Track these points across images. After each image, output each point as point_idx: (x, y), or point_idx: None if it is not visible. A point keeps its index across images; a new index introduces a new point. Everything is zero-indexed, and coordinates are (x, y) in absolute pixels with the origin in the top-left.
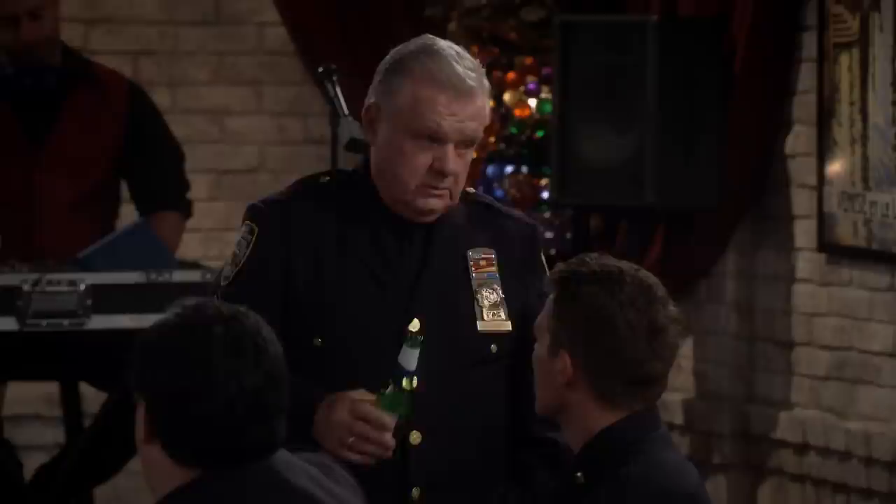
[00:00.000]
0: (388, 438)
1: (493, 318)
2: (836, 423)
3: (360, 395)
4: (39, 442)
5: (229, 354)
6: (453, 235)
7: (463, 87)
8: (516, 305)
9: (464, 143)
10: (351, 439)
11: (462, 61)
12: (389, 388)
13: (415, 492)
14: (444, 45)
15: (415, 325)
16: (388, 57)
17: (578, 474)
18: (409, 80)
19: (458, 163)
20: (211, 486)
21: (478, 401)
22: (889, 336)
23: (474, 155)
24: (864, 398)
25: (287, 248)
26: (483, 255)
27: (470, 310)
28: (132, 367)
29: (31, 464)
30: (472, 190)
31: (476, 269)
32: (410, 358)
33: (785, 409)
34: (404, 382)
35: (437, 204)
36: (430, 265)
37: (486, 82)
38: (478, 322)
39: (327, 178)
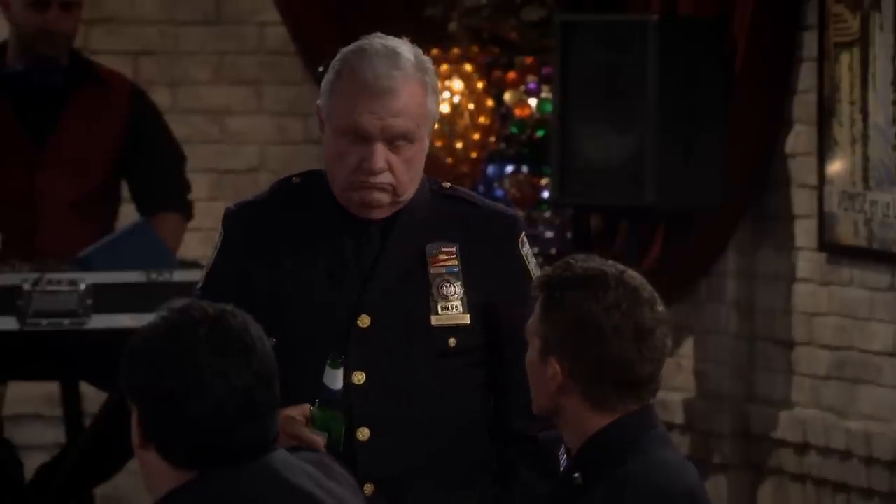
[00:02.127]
0: None
1: (447, 311)
2: (836, 422)
3: (297, 410)
4: (39, 442)
5: (216, 354)
6: (412, 230)
7: (379, 86)
8: (480, 299)
9: (394, 139)
10: None
11: (391, 58)
12: (318, 408)
13: (367, 488)
14: (376, 43)
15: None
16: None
17: (576, 475)
18: (337, 80)
19: (393, 158)
20: (208, 485)
21: (435, 395)
22: (889, 336)
23: (474, 155)
24: (864, 398)
25: (248, 254)
26: (442, 249)
27: (424, 304)
28: (122, 373)
29: (31, 464)
30: (448, 184)
31: (433, 263)
32: (334, 378)
33: (785, 408)
34: (333, 403)
35: (378, 196)
36: (384, 261)
37: (426, 77)
38: (431, 316)
39: (298, 178)
